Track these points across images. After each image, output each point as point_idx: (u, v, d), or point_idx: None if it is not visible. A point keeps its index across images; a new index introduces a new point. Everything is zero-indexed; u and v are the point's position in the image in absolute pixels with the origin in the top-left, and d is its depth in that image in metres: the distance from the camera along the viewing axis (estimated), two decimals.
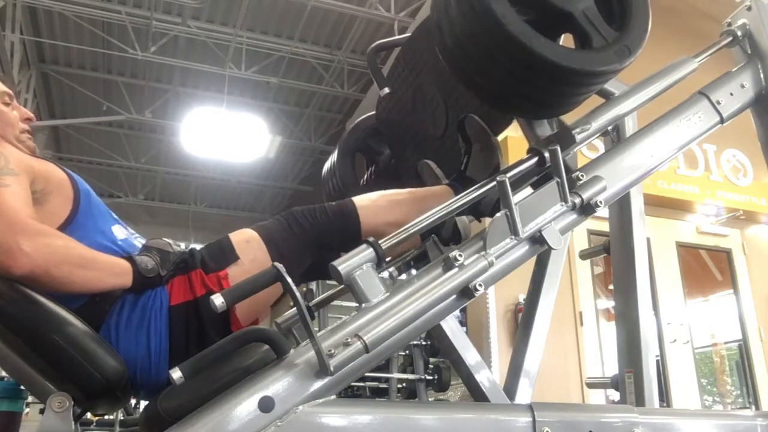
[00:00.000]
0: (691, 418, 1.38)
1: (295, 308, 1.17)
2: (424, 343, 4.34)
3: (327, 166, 2.00)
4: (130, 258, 1.25)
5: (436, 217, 1.20)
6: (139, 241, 1.37)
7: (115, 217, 1.38)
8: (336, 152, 1.96)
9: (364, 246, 1.10)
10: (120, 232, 1.34)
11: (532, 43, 1.13)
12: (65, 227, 1.23)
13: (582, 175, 1.29)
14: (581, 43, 1.25)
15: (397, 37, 1.94)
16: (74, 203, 1.26)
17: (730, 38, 1.61)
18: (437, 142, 1.72)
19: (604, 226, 1.80)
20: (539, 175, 1.36)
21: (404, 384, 4.47)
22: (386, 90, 1.83)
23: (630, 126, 1.66)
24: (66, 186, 1.26)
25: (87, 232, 1.23)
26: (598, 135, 1.38)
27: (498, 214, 1.18)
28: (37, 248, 1.09)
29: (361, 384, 4.50)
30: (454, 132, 1.62)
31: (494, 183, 1.19)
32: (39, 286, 1.11)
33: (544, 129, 1.42)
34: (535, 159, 1.28)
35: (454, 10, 1.19)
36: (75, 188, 1.27)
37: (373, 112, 1.95)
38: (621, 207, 1.70)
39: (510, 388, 1.58)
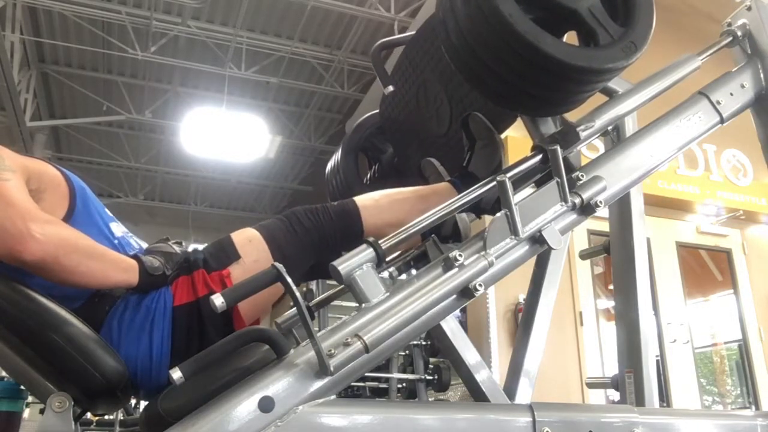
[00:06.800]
0: (691, 418, 1.38)
1: (295, 308, 1.17)
2: (424, 343, 4.33)
3: (331, 164, 1.99)
4: (135, 257, 1.25)
5: (436, 216, 1.20)
6: (134, 240, 1.37)
7: (111, 214, 1.38)
8: (339, 150, 1.96)
9: (364, 246, 1.10)
10: (117, 229, 1.34)
11: (539, 41, 1.13)
12: None
13: (582, 175, 1.29)
14: (587, 40, 1.26)
15: (401, 35, 1.93)
16: (70, 201, 1.25)
17: (730, 38, 1.61)
18: (441, 140, 1.72)
19: (604, 226, 1.80)
20: (543, 173, 1.36)
21: (404, 384, 4.46)
22: (390, 88, 1.83)
23: (630, 126, 1.66)
24: (60, 184, 1.26)
25: (85, 229, 1.22)
26: (602, 132, 1.38)
27: (498, 214, 1.18)
28: (48, 235, 1.09)
29: (361, 384, 4.48)
30: (458, 130, 1.62)
31: (495, 183, 1.19)
32: (46, 275, 1.11)
33: (549, 127, 1.42)
34: (540, 156, 1.28)
35: (460, 8, 1.19)
36: (70, 186, 1.27)
37: (377, 111, 1.94)
38: (621, 207, 1.70)
39: (510, 388, 1.58)
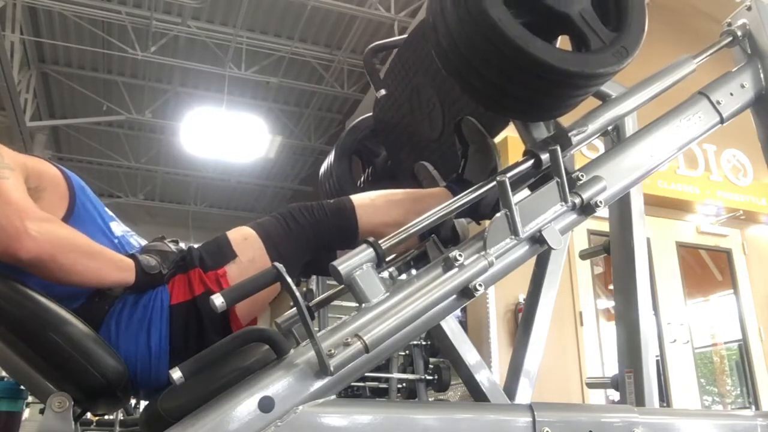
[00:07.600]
0: (691, 418, 1.38)
1: (295, 308, 1.17)
2: (424, 343, 4.34)
3: (324, 167, 2.00)
4: (132, 256, 1.25)
5: (435, 217, 1.20)
6: (135, 239, 1.37)
7: (111, 213, 1.38)
8: (333, 153, 1.96)
9: (364, 246, 1.10)
10: (117, 228, 1.34)
11: (529, 46, 1.12)
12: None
13: (582, 175, 1.29)
14: (578, 45, 1.25)
15: (394, 38, 1.93)
16: (70, 200, 1.25)
17: (730, 38, 1.61)
18: (434, 144, 1.71)
19: (604, 226, 1.80)
20: (535, 178, 1.36)
21: (404, 384, 4.46)
22: (383, 91, 1.83)
23: (630, 126, 1.66)
24: (60, 182, 1.26)
25: (85, 228, 1.23)
26: (595, 137, 1.38)
27: (498, 214, 1.18)
28: (45, 233, 1.09)
29: (361, 384, 4.49)
30: (451, 134, 1.62)
31: (494, 183, 1.19)
32: (43, 273, 1.11)
33: (541, 131, 1.42)
34: (532, 161, 1.28)
35: (450, 12, 1.18)
36: (69, 185, 1.27)
37: (371, 114, 1.95)
38: (621, 207, 1.70)
39: (510, 388, 1.58)
